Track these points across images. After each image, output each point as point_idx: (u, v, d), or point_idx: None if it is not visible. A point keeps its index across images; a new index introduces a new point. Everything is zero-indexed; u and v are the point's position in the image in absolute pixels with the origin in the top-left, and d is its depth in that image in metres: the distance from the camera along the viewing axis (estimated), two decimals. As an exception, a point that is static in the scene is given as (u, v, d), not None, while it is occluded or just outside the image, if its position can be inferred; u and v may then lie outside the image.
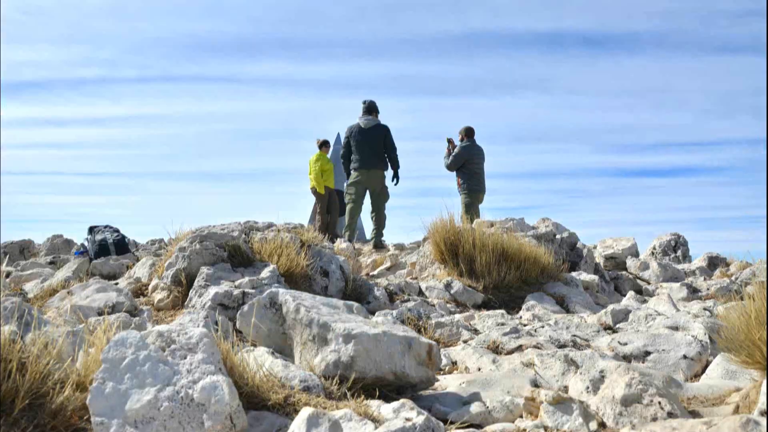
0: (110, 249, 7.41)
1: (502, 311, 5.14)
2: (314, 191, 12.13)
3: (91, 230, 7.85)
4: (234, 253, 5.28)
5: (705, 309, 4.79)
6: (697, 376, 3.26)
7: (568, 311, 5.59)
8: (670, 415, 2.25)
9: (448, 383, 3.09)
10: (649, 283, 7.58)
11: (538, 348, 3.64)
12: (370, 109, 9.82)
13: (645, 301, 5.60)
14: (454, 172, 10.71)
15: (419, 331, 4.16)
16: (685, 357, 3.35)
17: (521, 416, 2.48)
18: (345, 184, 10.51)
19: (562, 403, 2.37)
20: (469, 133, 10.46)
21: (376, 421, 2.12)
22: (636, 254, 8.83)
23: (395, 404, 2.22)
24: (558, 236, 7.57)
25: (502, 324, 4.57)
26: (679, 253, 9.94)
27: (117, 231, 7.83)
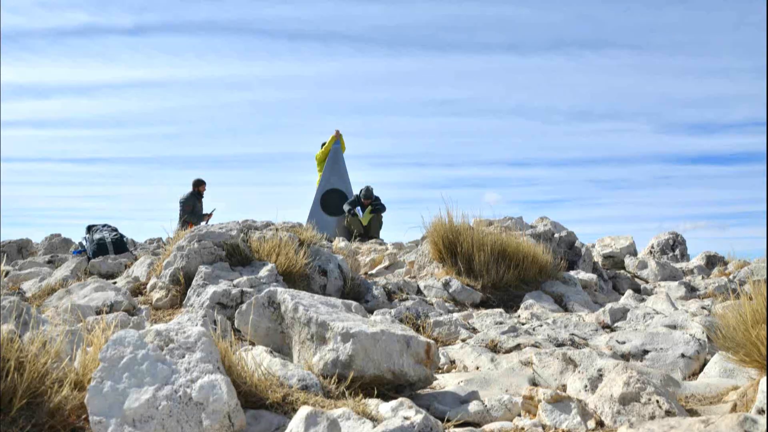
0: (108, 248, 7.41)
1: (501, 310, 5.14)
2: None
3: (90, 229, 7.85)
4: (232, 252, 5.28)
5: (703, 308, 4.79)
6: (695, 374, 3.26)
7: (566, 310, 5.59)
8: (668, 413, 2.26)
9: (446, 382, 3.09)
10: (647, 282, 7.59)
11: (537, 347, 3.64)
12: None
13: (643, 300, 5.60)
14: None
15: (417, 330, 4.16)
16: (683, 356, 3.36)
17: (519, 415, 2.49)
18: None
19: (560, 401, 2.37)
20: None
21: (375, 420, 2.12)
22: (634, 253, 8.84)
23: (393, 403, 2.22)
24: (556, 235, 7.57)
25: (501, 323, 4.57)
26: (677, 251, 9.96)
27: (115, 230, 7.83)
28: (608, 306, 4.86)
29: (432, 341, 2.87)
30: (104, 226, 7.92)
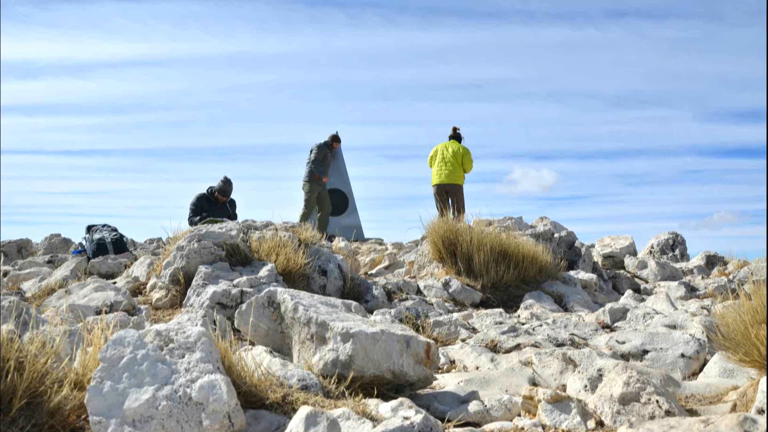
0: (108, 248, 7.41)
1: (501, 310, 5.14)
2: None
3: (89, 229, 7.85)
4: (232, 252, 5.28)
5: (703, 307, 4.79)
6: (694, 374, 3.26)
7: (566, 310, 5.59)
8: (668, 413, 2.26)
9: (446, 382, 3.09)
10: (647, 282, 7.59)
11: (537, 347, 3.64)
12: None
13: (643, 300, 5.60)
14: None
15: (417, 330, 4.16)
16: (682, 355, 3.36)
17: (519, 415, 2.49)
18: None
19: (560, 401, 2.37)
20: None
21: (375, 420, 2.12)
22: (634, 253, 8.85)
23: (393, 403, 2.22)
24: (556, 235, 7.57)
25: (501, 323, 4.57)
26: (677, 251, 9.96)
27: (115, 230, 7.84)
28: (608, 306, 4.86)
29: (432, 341, 2.87)
30: (104, 226, 7.93)
